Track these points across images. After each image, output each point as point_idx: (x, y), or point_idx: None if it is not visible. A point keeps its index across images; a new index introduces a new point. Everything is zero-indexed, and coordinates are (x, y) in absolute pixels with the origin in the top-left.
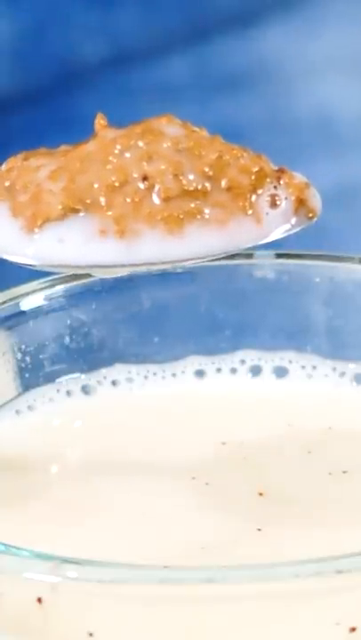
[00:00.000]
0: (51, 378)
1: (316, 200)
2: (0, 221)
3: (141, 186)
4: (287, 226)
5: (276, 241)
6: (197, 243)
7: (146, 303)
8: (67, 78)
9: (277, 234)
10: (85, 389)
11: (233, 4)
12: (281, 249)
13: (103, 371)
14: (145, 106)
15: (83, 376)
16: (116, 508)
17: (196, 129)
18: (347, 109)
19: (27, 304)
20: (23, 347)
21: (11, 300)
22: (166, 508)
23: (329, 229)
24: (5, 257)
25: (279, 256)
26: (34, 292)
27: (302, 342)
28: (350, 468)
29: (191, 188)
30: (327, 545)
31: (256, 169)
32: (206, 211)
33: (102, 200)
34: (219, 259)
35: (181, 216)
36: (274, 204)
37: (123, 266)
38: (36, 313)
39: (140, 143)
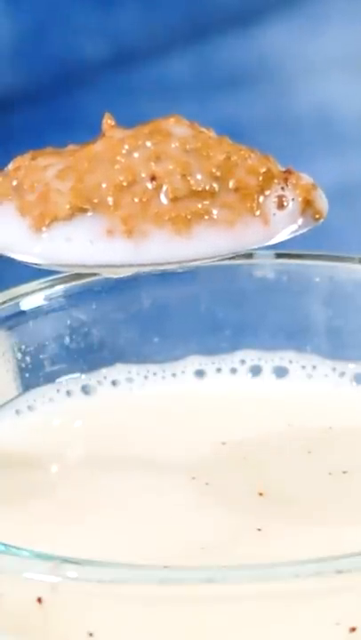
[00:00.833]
0: (51, 378)
1: (322, 201)
2: (8, 220)
3: (149, 186)
4: (294, 227)
5: (280, 241)
6: (205, 243)
7: (146, 303)
8: (67, 77)
9: (284, 235)
10: (85, 389)
11: (234, 2)
12: (281, 249)
13: (103, 371)
14: (145, 105)
15: (83, 376)
16: (116, 507)
17: (204, 129)
18: (348, 108)
19: (27, 304)
20: (23, 347)
21: (11, 299)
22: (166, 508)
23: (330, 228)
24: (13, 256)
25: (279, 256)
26: (34, 292)
27: (302, 342)
28: (350, 468)
29: (199, 189)
30: (327, 545)
31: (263, 170)
32: (214, 211)
33: (110, 200)
34: (224, 259)
35: (189, 216)
36: (281, 205)
37: (130, 266)
38: (36, 313)
39: (148, 143)
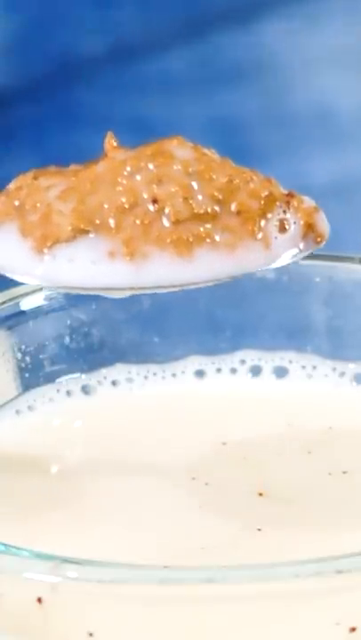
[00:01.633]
0: (51, 378)
1: (324, 225)
2: (10, 241)
3: (151, 208)
4: (295, 250)
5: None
6: (206, 266)
7: (146, 303)
8: (66, 73)
9: (286, 258)
10: (85, 389)
11: None
12: None
13: (103, 371)
14: (144, 100)
15: (83, 376)
16: (116, 507)
17: (207, 151)
18: (345, 103)
19: (27, 304)
20: (23, 347)
21: (11, 299)
22: (166, 508)
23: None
24: (14, 277)
25: None
26: (34, 291)
27: (302, 342)
28: (350, 468)
29: (201, 212)
30: (327, 545)
31: (265, 193)
32: (216, 234)
33: (112, 222)
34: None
35: (191, 239)
36: (283, 229)
37: (131, 288)
38: (36, 313)
39: (151, 165)
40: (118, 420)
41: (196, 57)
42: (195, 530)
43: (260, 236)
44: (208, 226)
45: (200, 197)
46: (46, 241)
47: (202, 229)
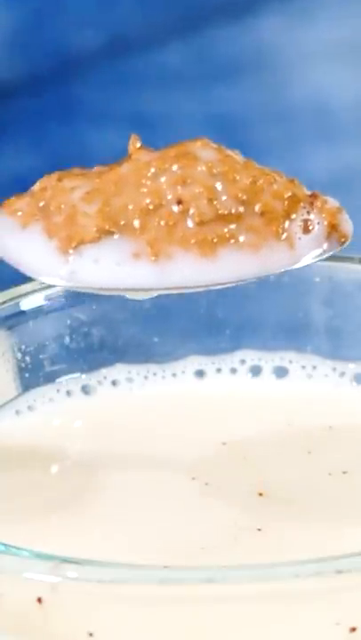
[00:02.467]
0: (51, 378)
1: (348, 225)
2: (34, 242)
3: (175, 209)
4: (319, 251)
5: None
6: (230, 267)
7: (146, 303)
8: (64, 67)
9: (309, 259)
10: (85, 389)
11: None
12: None
13: (103, 371)
14: (142, 95)
15: (83, 376)
16: (116, 507)
17: (231, 153)
18: (343, 97)
19: (27, 304)
20: (23, 347)
21: (11, 299)
22: (166, 508)
23: None
24: (39, 278)
25: None
26: (34, 292)
27: (302, 342)
28: (350, 468)
29: (225, 213)
30: (327, 545)
31: (289, 194)
32: (240, 235)
33: (136, 223)
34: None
35: (215, 240)
36: (306, 230)
37: (156, 289)
38: (36, 313)
39: (175, 167)
40: (118, 420)
41: (194, 52)
42: (195, 530)
43: (284, 236)
44: (232, 227)
45: (224, 198)
46: (71, 242)
47: (226, 230)
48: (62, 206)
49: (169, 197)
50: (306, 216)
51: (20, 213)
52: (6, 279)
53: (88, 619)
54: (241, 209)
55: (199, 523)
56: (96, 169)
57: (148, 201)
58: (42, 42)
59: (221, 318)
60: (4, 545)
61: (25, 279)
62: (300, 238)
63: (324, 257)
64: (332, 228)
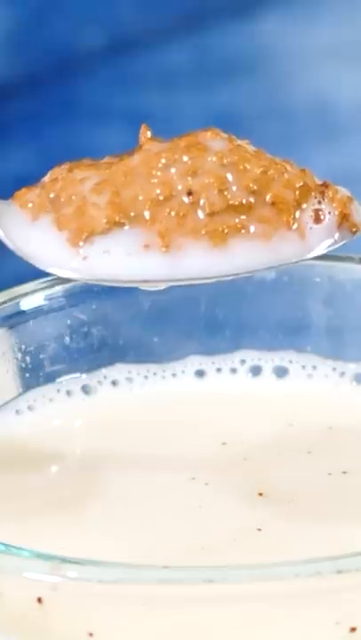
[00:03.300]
0: (51, 378)
1: (359, 214)
2: (44, 234)
3: (186, 200)
4: (330, 240)
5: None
6: (241, 257)
7: (146, 303)
8: (66, 66)
9: (321, 249)
10: (85, 389)
11: None
12: None
13: (103, 371)
14: (144, 93)
15: (83, 376)
16: (116, 507)
17: (241, 143)
18: (344, 97)
19: (27, 304)
20: (23, 347)
21: (11, 300)
22: (166, 508)
23: None
24: (49, 270)
25: None
26: (34, 292)
27: (302, 342)
28: (350, 468)
29: (236, 203)
30: (327, 545)
31: (300, 184)
32: (251, 225)
33: (147, 214)
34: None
35: (226, 230)
36: (318, 219)
37: (167, 280)
38: (36, 313)
39: (185, 157)
40: (118, 419)
41: (196, 51)
42: (195, 530)
43: (295, 226)
44: (243, 217)
45: (235, 189)
46: (81, 233)
47: (237, 220)
48: (73, 197)
49: (179, 188)
50: (317, 206)
51: (30, 205)
52: (6, 279)
53: (88, 619)
54: (252, 199)
55: (199, 523)
56: (106, 159)
57: (158, 192)
58: (42, 41)
59: (221, 318)
60: (4, 545)
61: (25, 279)
62: (311, 228)
63: (336, 247)
64: (344, 218)
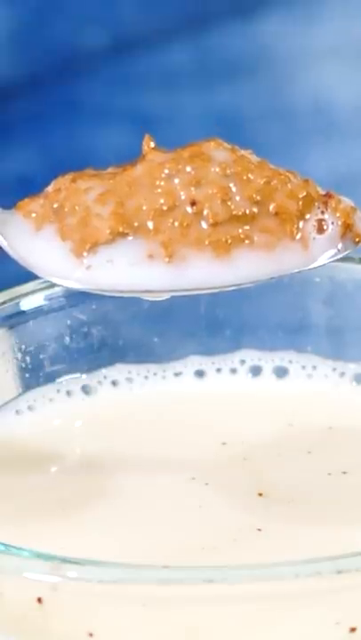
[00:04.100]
0: (51, 378)
1: None
2: (48, 244)
3: (189, 210)
4: (334, 251)
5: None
6: (245, 268)
7: (146, 303)
8: (68, 66)
9: (324, 259)
10: (85, 389)
11: None
12: None
13: (103, 371)
14: (145, 93)
15: (83, 376)
16: (116, 507)
17: (244, 153)
18: (345, 97)
19: (27, 304)
20: (23, 347)
21: (11, 300)
22: (166, 508)
23: None
24: (53, 280)
25: None
26: (34, 292)
27: (302, 342)
28: (350, 468)
29: (239, 213)
30: (327, 545)
31: (303, 194)
32: (254, 236)
33: (150, 224)
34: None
35: (229, 241)
36: (321, 229)
37: (170, 291)
38: (36, 313)
39: (189, 168)
40: (118, 420)
41: (197, 50)
42: (195, 530)
43: (298, 236)
44: (246, 227)
45: (238, 199)
46: (85, 244)
47: (240, 231)
48: (76, 208)
49: (183, 198)
50: (320, 216)
51: (34, 215)
52: (6, 279)
53: (88, 619)
54: (255, 209)
55: (199, 523)
56: (110, 170)
57: (161, 202)
58: (44, 41)
59: (221, 318)
60: (4, 545)
61: (25, 279)
62: (314, 238)
63: (339, 257)
64: (347, 228)
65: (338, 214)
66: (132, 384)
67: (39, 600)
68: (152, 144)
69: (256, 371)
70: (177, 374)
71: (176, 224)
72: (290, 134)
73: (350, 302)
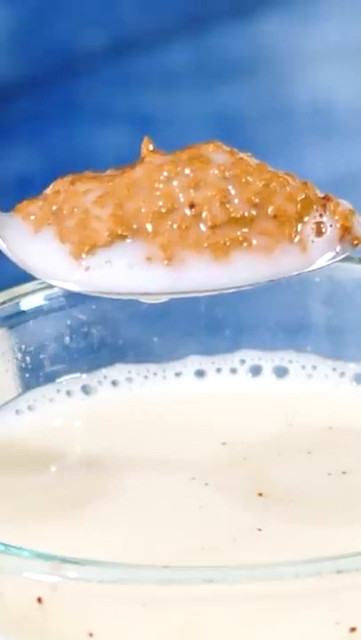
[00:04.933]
0: (51, 378)
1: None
2: (47, 246)
3: (188, 213)
4: (332, 253)
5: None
6: (243, 270)
7: (145, 303)
8: (67, 66)
9: (322, 262)
10: (85, 389)
11: None
12: None
13: (103, 371)
14: (145, 93)
15: (83, 376)
16: (116, 507)
17: (243, 156)
18: (345, 97)
19: (27, 304)
20: (23, 347)
21: (11, 300)
22: (166, 508)
23: None
24: (52, 282)
25: None
26: (34, 292)
27: (302, 342)
28: (350, 468)
29: (238, 216)
30: (327, 545)
31: (302, 197)
32: (253, 238)
33: (149, 227)
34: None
35: (228, 243)
36: (319, 232)
37: (169, 293)
38: (36, 313)
39: (187, 170)
40: (118, 420)
41: (197, 51)
42: (195, 530)
43: (297, 239)
44: (245, 230)
45: (237, 201)
46: (84, 246)
47: (239, 233)
48: (75, 210)
49: (182, 201)
50: (319, 219)
51: (32, 217)
52: (6, 279)
53: (88, 619)
54: (254, 212)
55: (199, 523)
56: (109, 172)
57: (160, 204)
58: (44, 41)
59: (221, 318)
60: (4, 545)
61: (25, 279)
62: (313, 241)
63: (337, 260)
64: (345, 231)
65: (336, 217)
66: (131, 384)
67: (39, 600)
68: (151, 146)
69: (256, 370)
70: (177, 374)
71: (175, 226)
72: (289, 134)
73: (350, 302)
